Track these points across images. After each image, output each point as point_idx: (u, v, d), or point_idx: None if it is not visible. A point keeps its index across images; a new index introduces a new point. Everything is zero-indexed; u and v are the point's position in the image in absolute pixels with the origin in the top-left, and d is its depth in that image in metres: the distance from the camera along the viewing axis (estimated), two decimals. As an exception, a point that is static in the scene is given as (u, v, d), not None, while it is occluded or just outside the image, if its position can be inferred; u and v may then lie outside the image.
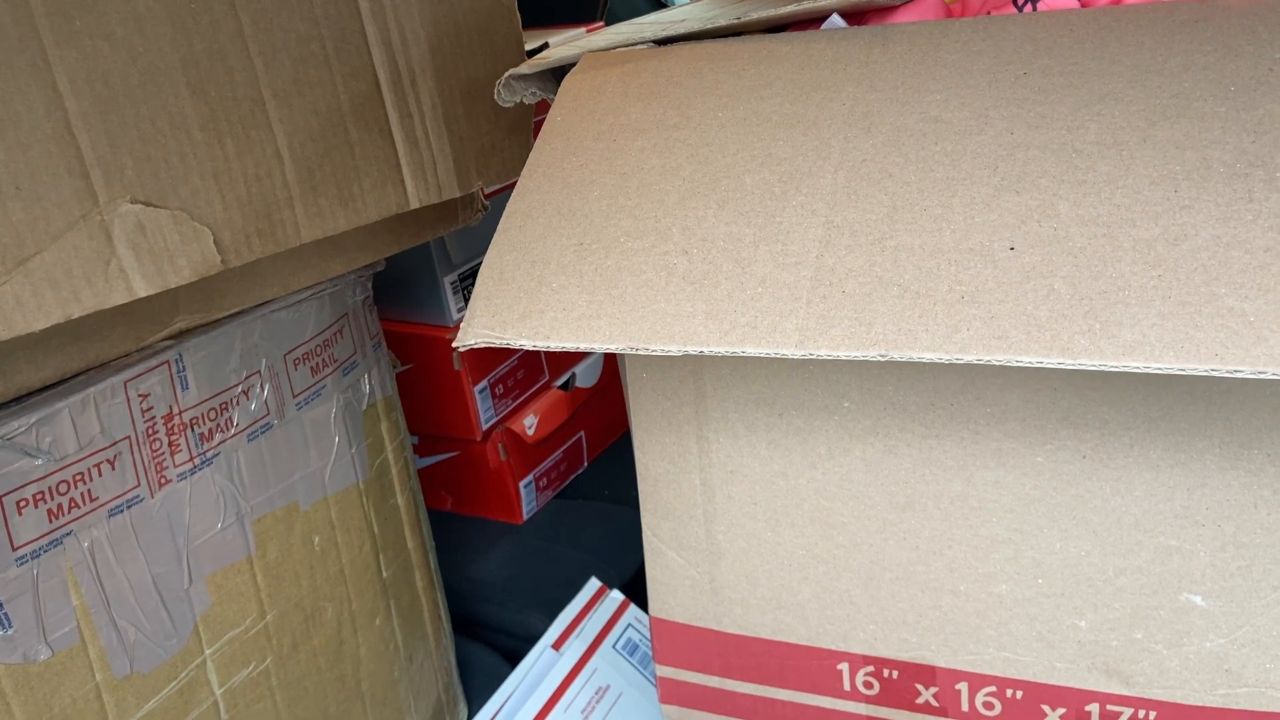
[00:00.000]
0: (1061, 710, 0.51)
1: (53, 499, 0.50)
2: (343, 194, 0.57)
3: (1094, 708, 0.51)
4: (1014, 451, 0.48)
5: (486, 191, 0.72)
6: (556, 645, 0.75)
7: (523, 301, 0.44)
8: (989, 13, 0.49)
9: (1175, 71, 0.41)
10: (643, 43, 0.53)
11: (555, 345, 0.43)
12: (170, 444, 0.56)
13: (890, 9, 0.50)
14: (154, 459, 0.55)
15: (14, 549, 0.49)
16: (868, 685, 0.56)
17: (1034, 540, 0.49)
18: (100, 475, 0.52)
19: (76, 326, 0.50)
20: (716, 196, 0.44)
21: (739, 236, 0.42)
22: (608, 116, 0.49)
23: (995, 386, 0.47)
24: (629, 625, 0.77)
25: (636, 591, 0.71)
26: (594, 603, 0.78)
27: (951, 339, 0.37)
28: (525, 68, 0.54)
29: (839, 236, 0.41)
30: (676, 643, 0.60)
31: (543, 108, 0.55)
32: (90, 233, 0.46)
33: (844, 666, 0.56)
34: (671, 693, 0.62)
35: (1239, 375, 0.33)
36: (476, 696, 0.84)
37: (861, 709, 0.57)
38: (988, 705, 0.53)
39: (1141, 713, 0.50)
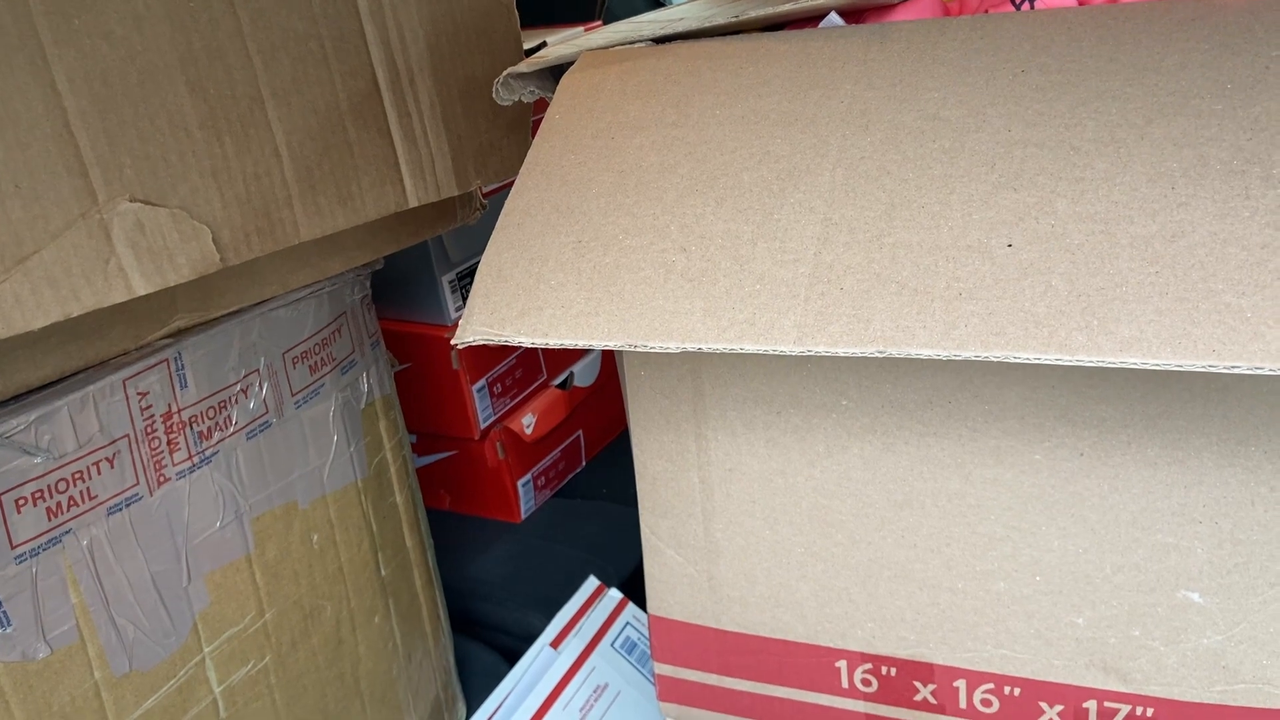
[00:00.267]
0: (1059, 707, 0.52)
1: (52, 497, 0.50)
2: (341, 192, 0.57)
3: (1091, 704, 0.51)
4: (1012, 449, 0.48)
5: (485, 190, 0.72)
6: (555, 644, 0.75)
7: (521, 299, 0.44)
8: (986, 11, 0.49)
9: (1172, 69, 0.41)
10: (641, 41, 0.53)
11: (554, 342, 0.43)
12: (169, 442, 0.56)
13: (888, 7, 0.50)
14: (153, 457, 0.55)
15: (13, 547, 0.49)
16: (866, 683, 0.56)
17: (1032, 538, 0.49)
18: (99, 473, 0.52)
19: (75, 325, 0.50)
20: (715, 194, 0.44)
21: (737, 234, 0.43)
22: (606, 114, 0.49)
23: (993, 384, 0.47)
24: (627, 623, 0.77)
25: (635, 590, 0.72)
26: (592, 601, 0.78)
27: (949, 335, 0.37)
28: (523, 66, 0.54)
29: (837, 234, 0.41)
30: (675, 641, 0.60)
31: (541, 106, 0.55)
32: (89, 231, 0.46)
33: (842, 664, 0.56)
34: (670, 691, 0.62)
35: (1236, 371, 0.34)
36: (475, 695, 0.84)
37: (859, 706, 0.57)
38: (985, 702, 0.53)
39: (1139, 709, 0.50)
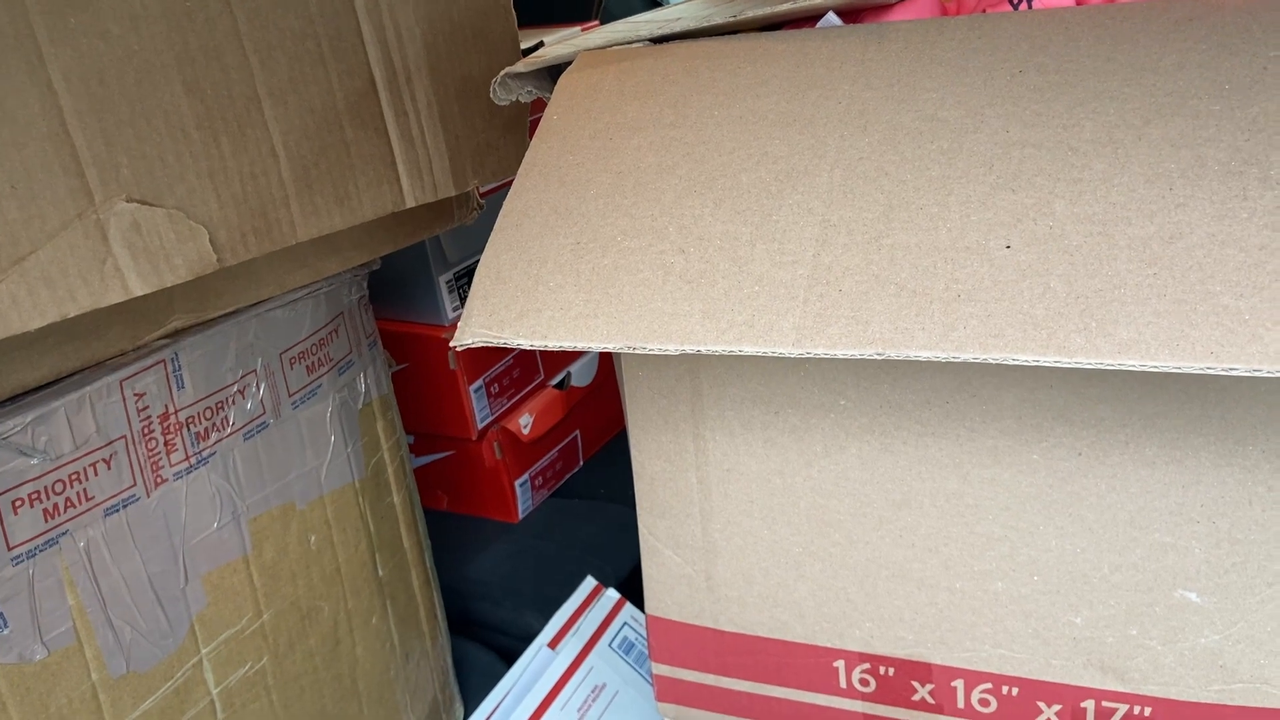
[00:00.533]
0: (1057, 707, 0.52)
1: (48, 499, 0.50)
2: (338, 192, 0.57)
3: (1089, 704, 0.51)
4: (1010, 449, 0.48)
5: (482, 190, 0.72)
6: (552, 644, 0.75)
7: (520, 301, 0.44)
8: (984, 11, 0.49)
9: (1170, 70, 0.41)
10: (638, 41, 0.53)
11: (553, 344, 0.43)
12: (166, 443, 0.55)
13: (886, 7, 0.50)
14: (150, 458, 0.55)
15: (9, 549, 0.49)
16: (864, 682, 0.56)
17: (1030, 537, 0.49)
18: (96, 475, 0.52)
19: (72, 325, 0.50)
20: (713, 195, 0.44)
21: (736, 235, 0.43)
22: (604, 115, 0.49)
23: (991, 384, 0.47)
24: (625, 624, 0.77)
25: (632, 590, 0.72)
26: (590, 601, 0.78)
27: (948, 337, 0.37)
28: (521, 66, 0.54)
29: (835, 235, 0.41)
30: (673, 641, 0.60)
31: (538, 105, 0.55)
32: (86, 231, 0.46)
33: (840, 664, 0.56)
34: (668, 691, 0.62)
35: (1234, 373, 0.34)
36: (473, 695, 0.84)
37: (858, 706, 0.57)
38: (983, 702, 0.53)
39: (1137, 709, 0.50)
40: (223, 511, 0.59)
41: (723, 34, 0.52)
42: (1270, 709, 0.47)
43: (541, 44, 0.84)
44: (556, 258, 0.45)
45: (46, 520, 0.50)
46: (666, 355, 0.52)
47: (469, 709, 0.84)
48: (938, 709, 0.55)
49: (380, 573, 0.72)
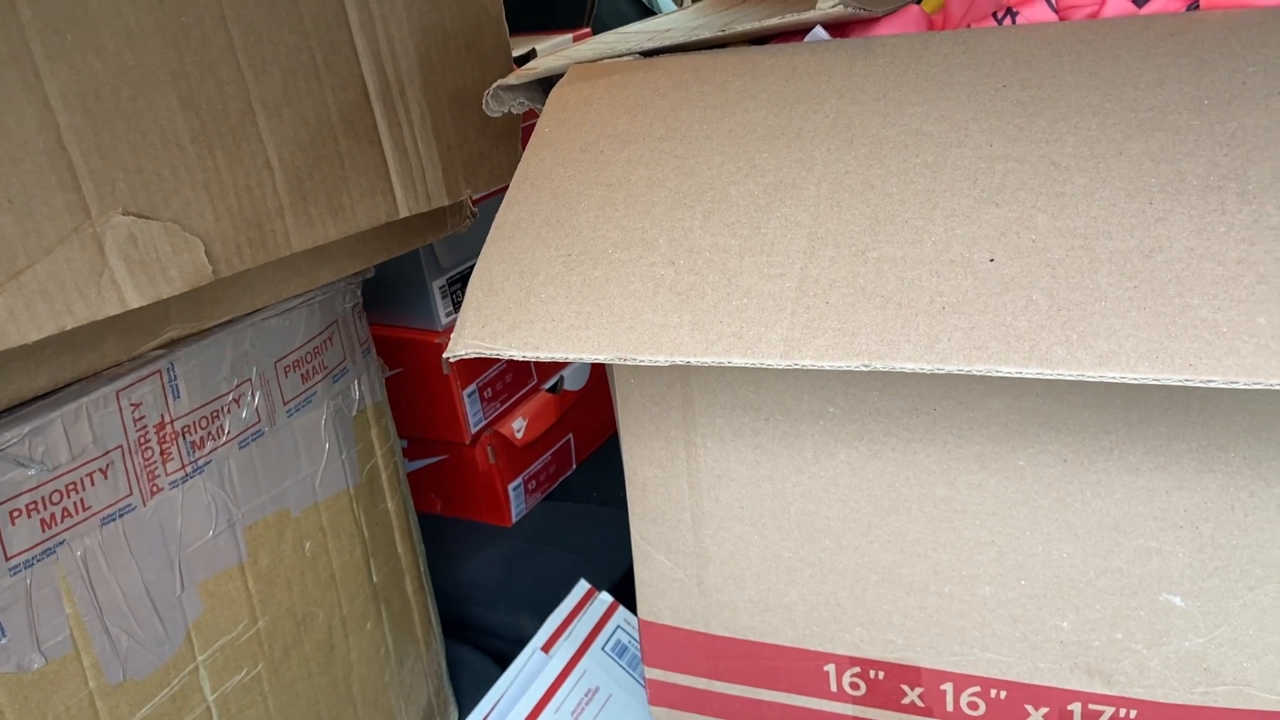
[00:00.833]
0: (1045, 710, 0.52)
1: (46, 508, 0.51)
2: (332, 203, 0.57)
3: (1076, 707, 0.51)
4: (996, 456, 0.49)
5: (474, 198, 0.72)
6: (546, 647, 0.75)
7: (512, 312, 0.44)
8: (969, 25, 0.50)
9: (1151, 85, 0.42)
10: (629, 54, 0.53)
11: (544, 355, 0.43)
12: (162, 452, 0.56)
13: (873, 21, 0.50)
14: (146, 467, 0.55)
15: (7, 559, 0.50)
16: (854, 686, 0.57)
17: (1016, 543, 0.50)
18: (93, 484, 0.53)
19: (69, 337, 0.50)
20: (702, 208, 0.45)
21: (724, 248, 0.43)
22: (595, 128, 0.50)
23: (977, 392, 0.48)
24: (618, 627, 0.78)
25: (625, 593, 0.72)
26: (583, 605, 0.78)
27: (933, 349, 0.38)
28: (513, 78, 0.55)
29: (822, 248, 0.42)
30: (665, 645, 0.61)
31: (530, 114, 0.56)
32: (82, 245, 0.46)
33: (830, 668, 0.57)
34: (661, 694, 0.63)
35: (1212, 385, 0.34)
36: (467, 699, 0.84)
37: (848, 709, 0.57)
38: (972, 705, 0.54)
39: (1123, 711, 0.51)
40: (218, 519, 0.60)
41: (712, 48, 0.52)
42: (1252, 710, 0.48)
43: (534, 52, 0.85)
44: (548, 269, 0.45)
45: (44, 530, 0.51)
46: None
47: (463, 713, 0.84)
48: (927, 712, 0.55)
49: (375, 578, 0.72)
